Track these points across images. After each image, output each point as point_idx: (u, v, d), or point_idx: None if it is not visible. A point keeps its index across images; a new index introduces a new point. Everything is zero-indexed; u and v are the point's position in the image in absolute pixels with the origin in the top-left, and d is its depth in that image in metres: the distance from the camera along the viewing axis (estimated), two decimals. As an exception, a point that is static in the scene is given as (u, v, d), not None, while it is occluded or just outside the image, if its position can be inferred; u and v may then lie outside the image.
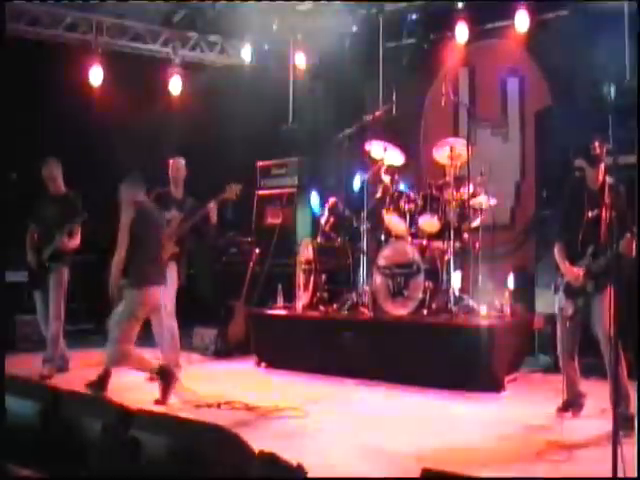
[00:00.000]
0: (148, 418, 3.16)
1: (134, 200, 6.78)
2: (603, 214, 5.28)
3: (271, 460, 2.42)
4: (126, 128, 10.18)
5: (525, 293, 8.59)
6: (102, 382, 6.72)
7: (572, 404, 5.97)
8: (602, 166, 5.60)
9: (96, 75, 10.39)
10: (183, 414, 5.92)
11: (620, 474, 3.52)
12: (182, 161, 8.11)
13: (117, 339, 6.69)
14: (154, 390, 6.83)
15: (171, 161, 8.12)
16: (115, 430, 3.04)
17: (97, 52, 10.39)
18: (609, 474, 3.59)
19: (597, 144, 5.57)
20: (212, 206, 7.78)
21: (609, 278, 5.20)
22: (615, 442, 3.40)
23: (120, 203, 6.76)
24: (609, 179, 5.61)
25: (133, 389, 7.31)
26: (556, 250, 5.86)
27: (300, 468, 2.43)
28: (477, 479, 2.46)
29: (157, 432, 2.91)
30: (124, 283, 6.68)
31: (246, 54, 11.50)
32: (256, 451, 2.55)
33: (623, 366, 5.49)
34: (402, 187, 8.72)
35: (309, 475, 2.48)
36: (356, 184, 9.41)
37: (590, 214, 5.65)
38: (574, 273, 5.67)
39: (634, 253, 5.38)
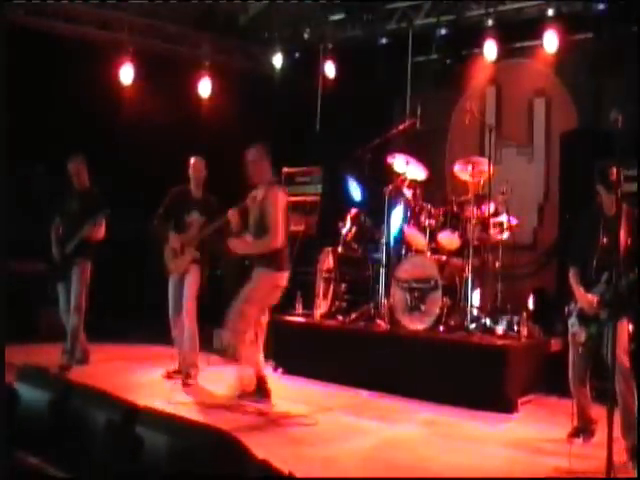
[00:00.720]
0: (153, 416, 3.20)
1: (273, 179, 7.00)
2: (619, 241, 5.24)
3: (263, 467, 2.44)
4: (154, 128, 10.26)
5: (544, 315, 8.55)
6: (262, 388, 6.93)
7: (583, 430, 5.92)
8: (618, 192, 5.53)
9: (127, 74, 10.51)
10: (192, 414, 5.97)
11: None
12: (203, 161, 8.02)
13: (238, 323, 6.84)
14: (170, 387, 6.92)
15: (192, 160, 8.01)
16: (119, 426, 3.08)
17: (129, 51, 10.50)
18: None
19: (615, 169, 5.50)
20: (233, 213, 7.52)
21: (624, 306, 5.17)
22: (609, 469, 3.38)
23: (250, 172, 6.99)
24: (626, 205, 5.55)
25: (146, 385, 7.40)
26: (570, 275, 5.82)
27: (291, 476, 2.44)
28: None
29: (159, 431, 2.96)
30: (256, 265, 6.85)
31: (277, 61, 11.58)
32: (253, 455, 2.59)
33: (634, 396, 5.42)
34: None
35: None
36: (356, 195, 9.50)
37: (605, 240, 5.60)
38: (588, 300, 5.62)
39: None
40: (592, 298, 5.60)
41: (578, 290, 5.72)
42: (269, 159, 7.11)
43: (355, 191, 9.85)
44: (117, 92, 10.50)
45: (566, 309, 5.88)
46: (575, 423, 5.88)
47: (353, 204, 9.51)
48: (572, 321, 5.76)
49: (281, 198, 6.93)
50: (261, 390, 6.90)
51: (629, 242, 5.35)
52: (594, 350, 5.71)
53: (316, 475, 4.71)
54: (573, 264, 5.84)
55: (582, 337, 5.67)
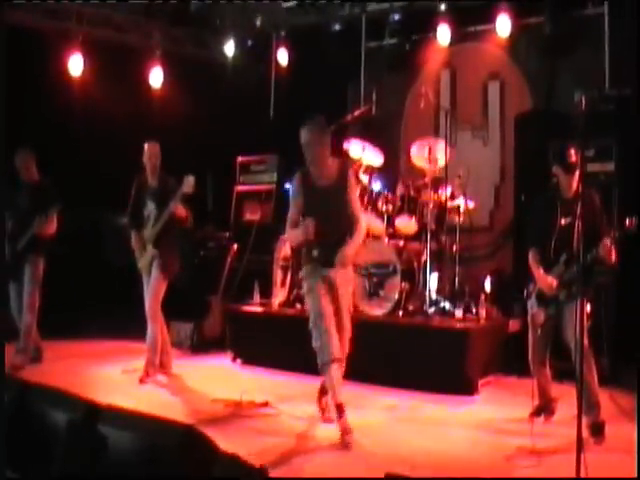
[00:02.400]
0: (115, 414, 3.13)
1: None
2: (577, 222, 5.29)
3: (233, 461, 2.40)
4: (105, 119, 10.09)
5: (502, 296, 8.61)
6: None
7: (544, 409, 5.99)
8: (577, 173, 5.57)
9: (76, 64, 10.31)
10: (155, 410, 5.89)
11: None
12: (157, 146, 7.66)
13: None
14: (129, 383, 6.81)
15: (146, 146, 7.66)
16: (81, 425, 3.01)
17: (77, 41, 10.30)
18: None
19: (573, 151, 5.54)
20: (174, 205, 7.32)
21: (582, 287, 5.21)
22: (579, 449, 3.40)
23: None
24: (583, 187, 5.60)
25: (104, 382, 7.30)
26: (530, 257, 5.86)
27: (262, 469, 2.41)
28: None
29: (123, 429, 2.90)
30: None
31: (229, 49, 11.47)
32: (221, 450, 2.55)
33: (594, 374, 5.50)
34: (380, 187, 8.74)
35: (273, 475, 2.46)
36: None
37: (563, 222, 5.64)
38: (547, 281, 5.67)
39: (614, 258, 5.40)
40: (551, 279, 5.65)
41: (537, 271, 5.76)
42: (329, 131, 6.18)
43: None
44: (66, 82, 10.28)
45: (525, 291, 5.93)
46: (536, 402, 5.94)
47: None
48: (531, 302, 5.82)
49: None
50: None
51: (587, 224, 5.39)
52: (553, 330, 5.77)
53: (285, 466, 4.69)
54: (532, 246, 5.87)
55: (541, 318, 5.73)
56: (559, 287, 5.62)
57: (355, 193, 5.98)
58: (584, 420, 5.31)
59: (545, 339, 5.84)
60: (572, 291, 5.46)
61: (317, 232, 5.62)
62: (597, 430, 5.44)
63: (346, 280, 5.99)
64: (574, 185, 5.61)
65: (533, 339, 5.91)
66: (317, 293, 5.76)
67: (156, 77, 11.08)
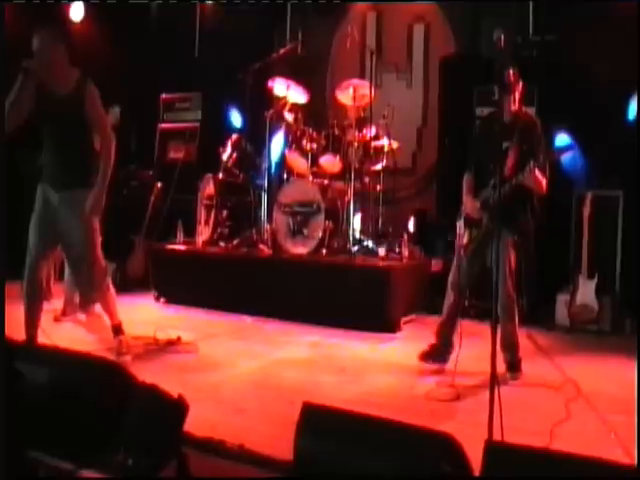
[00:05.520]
0: (32, 351, 3.10)
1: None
2: (513, 145, 5.27)
3: (151, 391, 2.40)
4: (21, 54, 9.71)
5: (425, 237, 8.74)
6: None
7: (441, 349, 5.91)
8: (516, 95, 5.51)
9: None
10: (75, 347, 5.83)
11: (496, 413, 3.64)
12: None
13: None
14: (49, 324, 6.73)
15: None
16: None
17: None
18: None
19: (511, 72, 5.43)
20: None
21: (506, 212, 5.15)
22: (492, 383, 3.50)
23: None
24: (525, 109, 5.58)
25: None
26: (464, 180, 5.78)
27: (181, 399, 2.41)
28: (358, 416, 2.50)
29: (40, 365, 2.86)
30: None
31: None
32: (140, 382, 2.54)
33: (515, 313, 5.52)
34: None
35: (192, 407, 2.46)
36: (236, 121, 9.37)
37: (502, 145, 5.37)
38: (472, 204, 5.61)
39: (539, 186, 5.31)
40: (474, 203, 5.60)
41: (466, 195, 5.69)
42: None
43: (235, 117, 9.71)
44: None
45: (458, 213, 5.83)
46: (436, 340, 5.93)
47: (233, 130, 9.38)
48: (459, 223, 5.76)
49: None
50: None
51: (524, 147, 5.37)
52: (478, 263, 5.72)
53: (205, 399, 4.71)
54: (467, 170, 5.80)
55: (464, 239, 5.65)
56: (483, 210, 5.55)
57: (102, 110, 5.68)
58: (503, 357, 5.46)
59: (469, 265, 5.68)
60: (495, 215, 5.33)
61: None
62: (514, 367, 5.55)
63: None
64: (512, 106, 5.53)
65: (457, 262, 5.74)
66: None
67: (77, 11, 10.69)
